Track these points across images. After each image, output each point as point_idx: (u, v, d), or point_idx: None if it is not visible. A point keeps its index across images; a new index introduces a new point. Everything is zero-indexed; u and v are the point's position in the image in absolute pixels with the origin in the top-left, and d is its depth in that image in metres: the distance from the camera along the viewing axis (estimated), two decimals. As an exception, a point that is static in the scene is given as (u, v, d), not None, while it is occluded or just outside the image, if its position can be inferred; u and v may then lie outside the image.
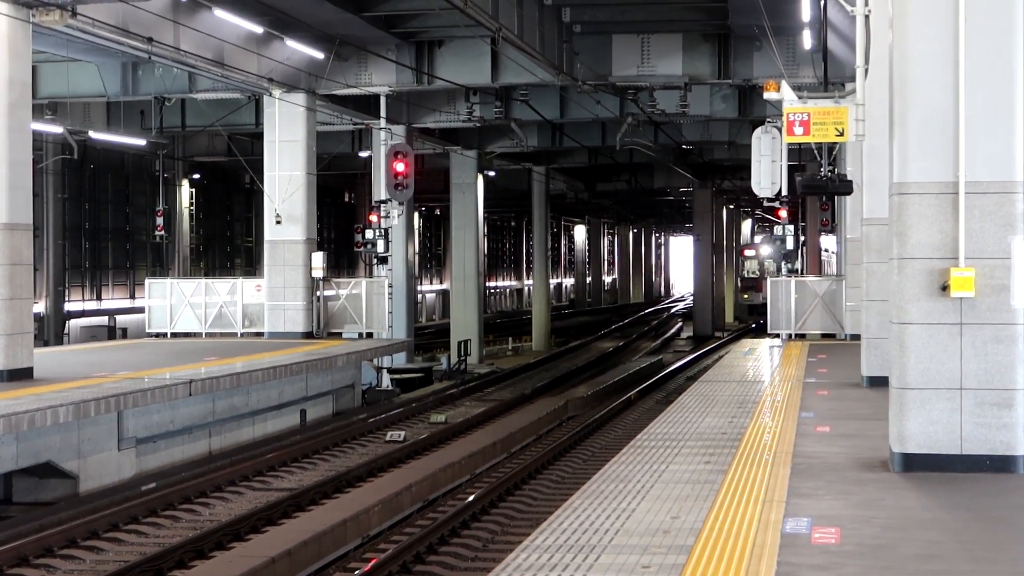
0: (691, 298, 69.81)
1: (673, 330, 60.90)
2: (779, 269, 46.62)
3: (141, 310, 35.26)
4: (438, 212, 72.70)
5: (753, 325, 58.32)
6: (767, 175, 20.09)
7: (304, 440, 23.05)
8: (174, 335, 31.95)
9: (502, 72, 30.47)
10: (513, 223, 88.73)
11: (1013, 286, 11.08)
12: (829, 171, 24.34)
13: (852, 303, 25.97)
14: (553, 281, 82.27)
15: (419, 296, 64.99)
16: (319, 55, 29.24)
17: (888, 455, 11.66)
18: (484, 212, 45.97)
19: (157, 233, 41.73)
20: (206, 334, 31.78)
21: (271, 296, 30.88)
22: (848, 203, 27.27)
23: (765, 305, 51.73)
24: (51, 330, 38.89)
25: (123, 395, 18.63)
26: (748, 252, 62.37)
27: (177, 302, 32.26)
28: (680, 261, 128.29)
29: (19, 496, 18.06)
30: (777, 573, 7.91)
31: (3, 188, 20.10)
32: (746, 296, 60.35)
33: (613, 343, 51.24)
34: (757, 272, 59.35)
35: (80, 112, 35.65)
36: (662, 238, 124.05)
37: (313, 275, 30.83)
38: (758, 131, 20.08)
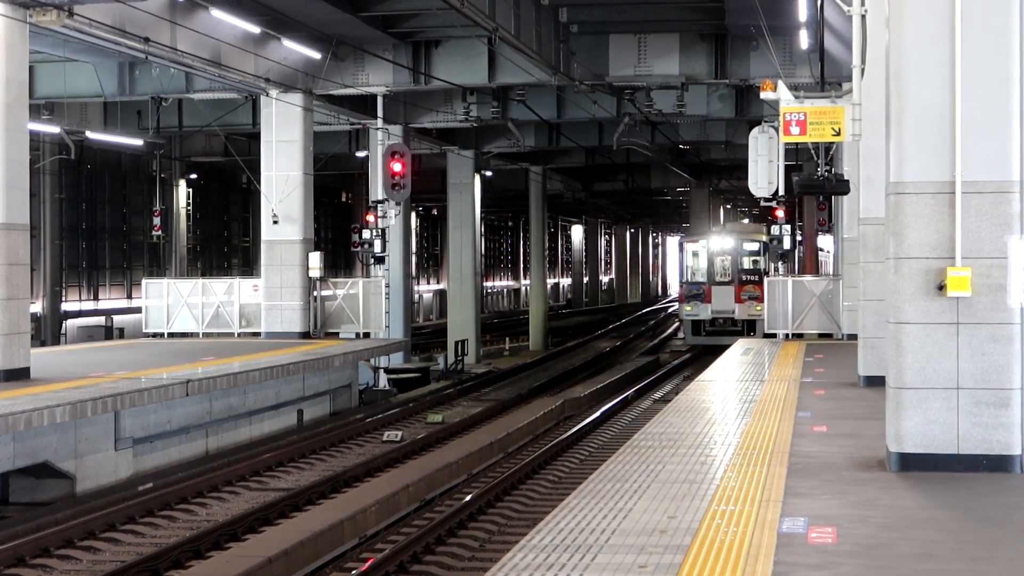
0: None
1: (670, 330, 60.87)
2: (753, 268, 42.13)
3: (138, 310, 35.21)
4: (435, 212, 72.73)
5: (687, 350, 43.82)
6: (764, 175, 20.14)
7: (301, 440, 23.04)
8: (171, 335, 31.94)
9: (499, 72, 30.48)
10: (510, 223, 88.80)
11: (1010, 285, 11.08)
12: (826, 171, 24.31)
13: (849, 303, 25.98)
14: (550, 281, 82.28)
15: (416, 296, 65.01)
16: (316, 55, 29.23)
17: (885, 455, 11.67)
18: (481, 212, 45.96)
19: (154, 233, 41.72)
20: (203, 334, 31.78)
21: (268, 296, 30.88)
22: (845, 203, 27.26)
23: (716, 321, 41.85)
24: (48, 330, 38.89)
25: (120, 395, 18.62)
26: (691, 245, 44.11)
27: (174, 302, 32.26)
28: (677, 261, 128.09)
29: (16, 496, 18.05)
30: (774, 573, 7.91)
31: (0, 188, 20.10)
32: (689, 308, 42.40)
33: (610, 343, 51.25)
34: (706, 274, 42.52)
35: (77, 112, 35.65)
36: (659, 238, 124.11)
37: (310, 275, 30.83)
38: (755, 131, 20.12)
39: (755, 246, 42.87)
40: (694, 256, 43.14)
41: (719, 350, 31.13)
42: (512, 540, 14.31)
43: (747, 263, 42.45)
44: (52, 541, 15.24)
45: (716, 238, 43.33)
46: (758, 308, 37.10)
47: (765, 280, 32.72)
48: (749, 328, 40.12)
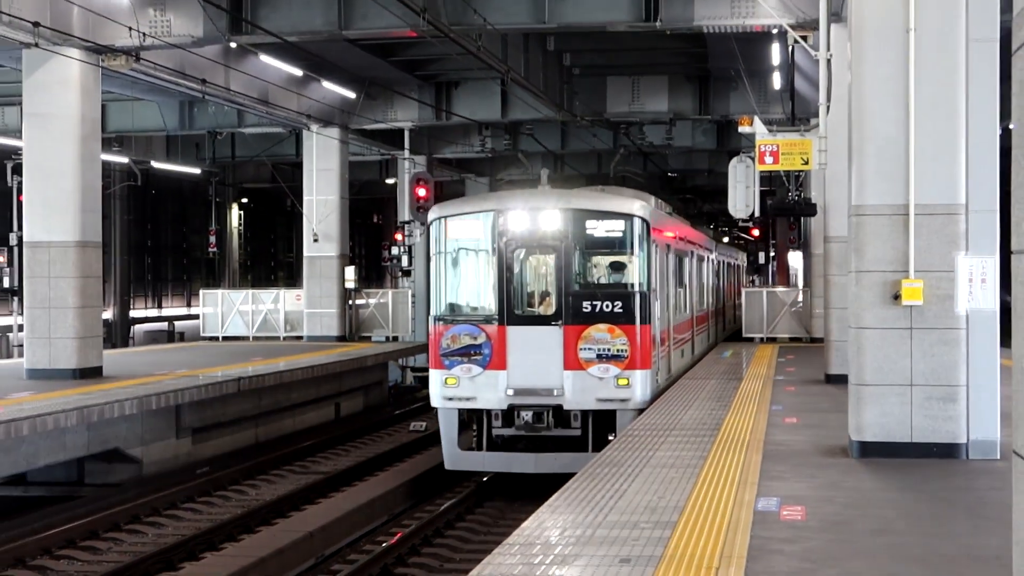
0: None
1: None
2: (611, 283, 16.93)
3: (196, 316, 35.27)
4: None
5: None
6: (742, 199, 20.09)
7: (338, 430, 23.06)
8: (225, 338, 31.98)
9: (511, 109, 30.51)
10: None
11: (956, 295, 11.06)
12: (796, 195, 24.37)
13: (817, 310, 25.92)
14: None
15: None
16: (351, 94, 29.30)
17: (847, 443, 11.64)
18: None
19: (210, 250, 41.86)
20: (253, 337, 31.81)
21: (309, 304, 30.91)
22: (813, 223, 27.24)
23: (516, 415, 16.24)
24: (118, 334, 38.96)
25: (180, 391, 18.66)
26: (458, 226, 16.94)
27: (227, 309, 32.32)
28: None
29: (90, 478, 18.10)
30: (750, 546, 7.89)
31: (76, 211, 20.17)
32: (450, 383, 16.46)
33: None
34: (494, 298, 16.58)
35: (143, 144, 35.74)
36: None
37: (346, 286, 30.86)
38: (734, 160, 20.11)
39: (617, 227, 16.94)
40: (462, 257, 17.31)
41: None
42: (521, 517, 14.31)
43: (597, 270, 17.35)
44: (121, 517, 15.28)
45: (518, 212, 16.81)
46: (622, 382, 16.23)
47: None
48: (601, 427, 16.34)
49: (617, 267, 16.94)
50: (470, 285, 17.19)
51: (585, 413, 16.28)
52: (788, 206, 25.60)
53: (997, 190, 11.02)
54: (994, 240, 11.00)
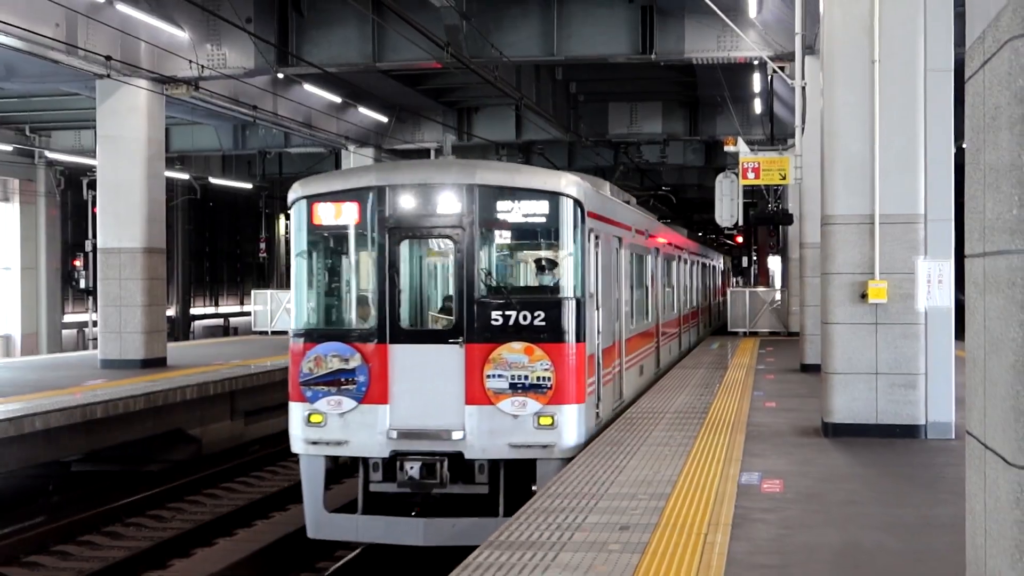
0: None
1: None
2: (540, 287, 11.25)
3: (248, 313, 35.35)
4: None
5: None
6: (728, 210, 20.09)
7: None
8: (273, 333, 32.05)
9: (524, 131, 30.53)
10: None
11: (916, 295, 11.05)
12: (775, 206, 24.36)
13: (793, 308, 25.89)
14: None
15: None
16: (383, 119, 29.34)
17: (820, 424, 11.64)
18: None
19: (260, 255, 41.91)
20: (298, 332, 31.83)
21: (347, 303, 30.97)
22: (790, 231, 27.21)
23: (399, 467, 10.62)
24: (180, 329, 39.08)
25: (235, 379, 18.72)
26: (326, 209, 11.06)
27: (275, 307, 32.38)
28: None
29: (156, 456, 18.18)
30: (735, 515, 7.90)
31: (143, 221, 20.25)
32: (315, 420, 10.83)
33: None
34: (374, 310, 10.85)
35: (202, 163, 35.84)
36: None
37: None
38: (720, 176, 20.10)
39: (539, 210, 10.86)
40: (330, 252, 11.42)
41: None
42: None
43: (512, 269, 12.08)
44: (184, 491, 15.33)
45: (405, 189, 10.81)
46: (545, 422, 10.60)
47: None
48: (515, 482, 10.75)
49: (542, 265, 11.37)
50: (341, 289, 11.40)
51: (494, 464, 10.66)
52: (768, 216, 25.61)
53: (952, 201, 11.01)
54: (950, 246, 10.98)
